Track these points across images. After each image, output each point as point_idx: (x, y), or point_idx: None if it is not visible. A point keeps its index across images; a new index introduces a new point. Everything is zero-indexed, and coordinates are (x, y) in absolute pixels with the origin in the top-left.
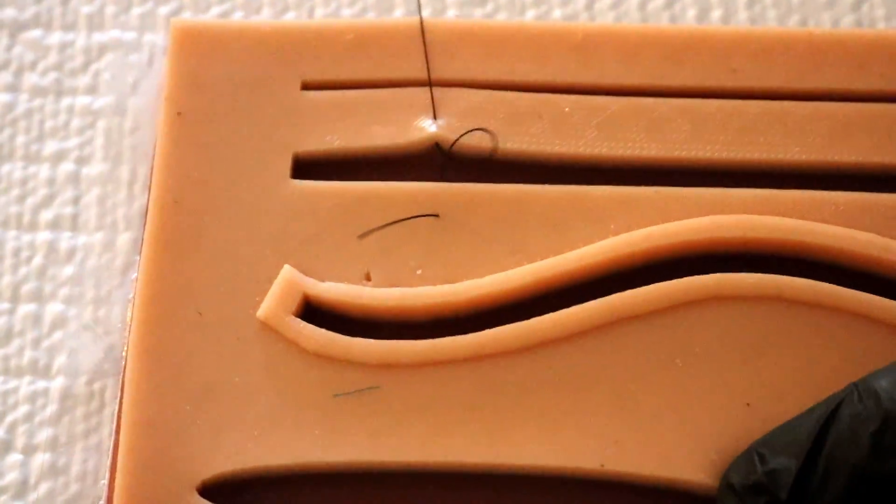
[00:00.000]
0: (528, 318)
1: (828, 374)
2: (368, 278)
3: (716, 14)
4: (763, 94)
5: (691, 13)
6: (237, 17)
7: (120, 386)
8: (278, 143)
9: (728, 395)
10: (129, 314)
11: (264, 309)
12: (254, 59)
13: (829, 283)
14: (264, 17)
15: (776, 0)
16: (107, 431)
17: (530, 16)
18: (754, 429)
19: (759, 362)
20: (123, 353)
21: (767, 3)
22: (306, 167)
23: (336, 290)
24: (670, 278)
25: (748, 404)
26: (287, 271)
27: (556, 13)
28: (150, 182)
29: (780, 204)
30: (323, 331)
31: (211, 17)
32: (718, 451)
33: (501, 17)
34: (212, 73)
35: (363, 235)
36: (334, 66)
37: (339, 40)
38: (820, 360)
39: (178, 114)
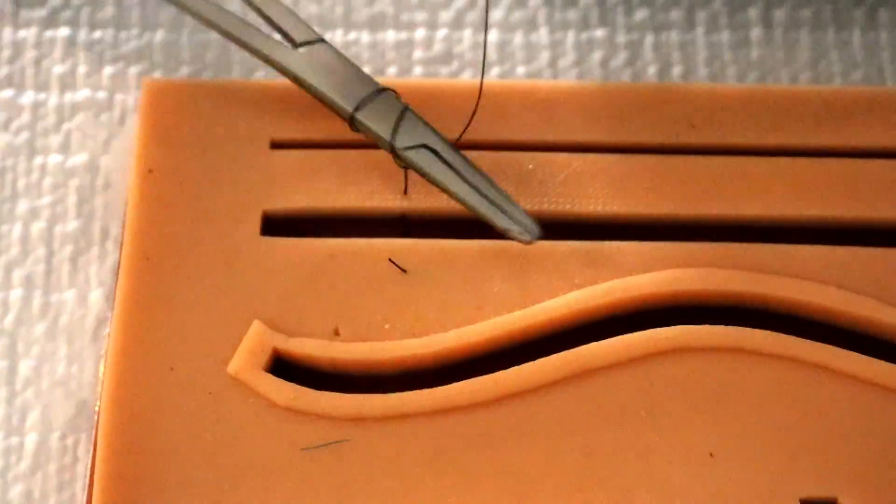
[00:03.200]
0: (494, 370)
1: (789, 425)
2: (337, 333)
3: (676, 70)
4: (723, 149)
5: (652, 70)
6: (206, 76)
7: (93, 441)
8: (248, 200)
9: (692, 446)
10: (101, 370)
11: (235, 364)
12: (224, 118)
13: (790, 335)
14: (234, 77)
15: (735, 57)
16: (80, 486)
17: (494, 73)
18: (718, 478)
19: (721, 413)
20: (96, 409)
21: (727, 59)
22: (276, 224)
23: (305, 345)
24: (633, 331)
25: (711, 454)
26: (257, 326)
27: (520, 70)
28: (122, 239)
29: (741, 257)
30: (293, 385)
31: (182, 76)
32: (683, 500)
33: (466, 76)
34: (183, 131)
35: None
36: (302, 126)
37: (306, 100)
38: (781, 410)
39: (150, 171)
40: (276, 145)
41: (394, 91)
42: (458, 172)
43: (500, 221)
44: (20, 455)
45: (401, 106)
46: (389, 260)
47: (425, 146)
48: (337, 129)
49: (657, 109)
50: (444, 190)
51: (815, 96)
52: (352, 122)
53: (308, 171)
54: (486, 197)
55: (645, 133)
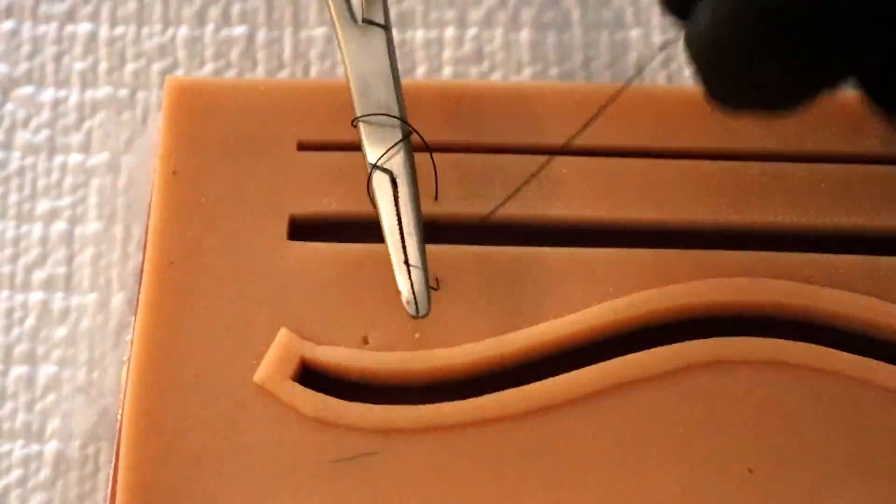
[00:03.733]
0: (526, 382)
1: (829, 439)
2: (366, 341)
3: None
4: (762, 155)
5: (688, 72)
6: (231, 74)
7: (115, 450)
8: (274, 203)
9: (730, 461)
10: (123, 376)
11: (261, 373)
12: (249, 118)
13: (830, 347)
14: (259, 74)
15: None
16: (101, 496)
17: (527, 74)
18: (757, 494)
19: (760, 427)
20: (118, 417)
21: None
22: (303, 228)
23: (334, 354)
24: (670, 341)
25: (750, 470)
26: (284, 335)
27: (553, 71)
28: (145, 242)
29: (780, 267)
30: (320, 395)
31: (205, 73)
32: None
33: (497, 76)
34: (207, 132)
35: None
36: (329, 127)
37: (334, 100)
38: (821, 424)
39: (174, 172)
40: (304, 147)
41: (409, 128)
42: (399, 217)
43: (399, 280)
44: (40, 464)
45: (403, 133)
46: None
47: (392, 177)
48: None
49: (694, 114)
50: (379, 219)
51: (855, 102)
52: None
53: (336, 174)
54: (404, 250)
55: (681, 138)
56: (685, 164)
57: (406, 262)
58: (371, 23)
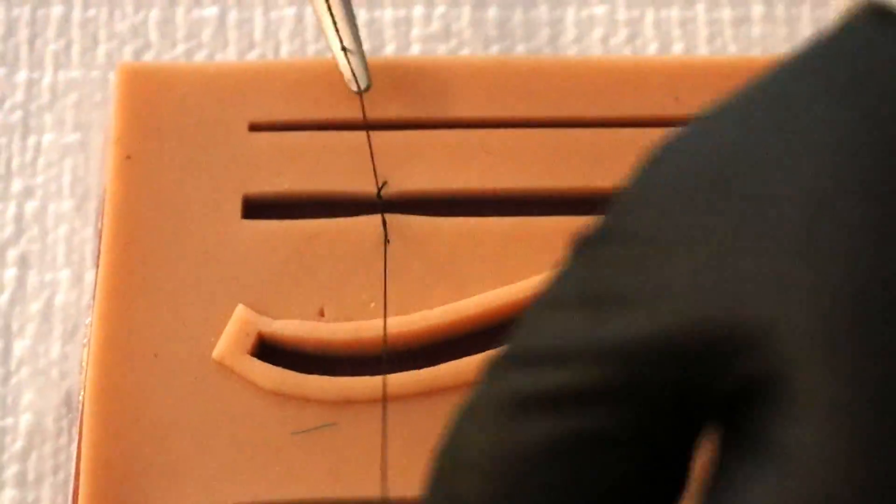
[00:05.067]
0: (480, 349)
1: None
2: (322, 314)
3: (677, 48)
4: None
5: (653, 48)
6: (203, 55)
7: (78, 428)
8: (228, 184)
9: None
10: (84, 357)
11: (219, 349)
12: (201, 101)
13: None
14: (230, 55)
15: (736, 34)
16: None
17: (494, 50)
18: None
19: None
20: (80, 397)
21: (728, 37)
22: (256, 207)
23: (290, 327)
24: None
25: None
26: (241, 310)
27: (520, 48)
28: (101, 226)
29: None
30: (278, 369)
31: (177, 54)
32: None
33: (465, 52)
34: (160, 116)
35: None
36: (280, 107)
37: (283, 80)
38: None
39: (128, 157)
40: (255, 127)
41: None
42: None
43: (340, 63)
44: (14, 436)
45: None
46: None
47: None
48: (316, 110)
49: (639, 83)
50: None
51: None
52: None
53: (288, 153)
54: (339, 36)
55: (627, 106)
56: (631, 133)
57: (343, 48)
58: None
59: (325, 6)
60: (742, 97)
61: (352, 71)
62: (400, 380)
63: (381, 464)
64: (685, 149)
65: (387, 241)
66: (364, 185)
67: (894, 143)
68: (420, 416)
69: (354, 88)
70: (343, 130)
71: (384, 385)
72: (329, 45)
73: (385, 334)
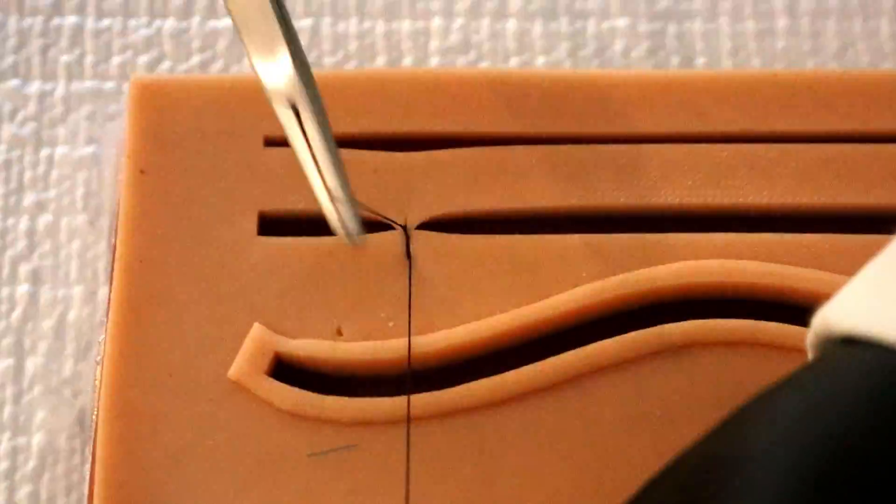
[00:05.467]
0: (502, 369)
1: None
2: (340, 333)
3: (700, 62)
4: (731, 137)
5: (675, 61)
6: (218, 66)
7: (91, 449)
8: (243, 199)
9: None
10: (97, 375)
11: (235, 368)
12: (215, 115)
13: (803, 326)
14: (245, 66)
15: (760, 48)
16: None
17: (514, 63)
18: None
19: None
20: (93, 416)
21: (751, 50)
22: (272, 224)
23: (308, 347)
24: (644, 325)
25: None
26: (257, 329)
27: (540, 60)
28: (115, 241)
29: (752, 248)
30: (296, 389)
31: (192, 65)
32: None
33: (485, 65)
34: (174, 130)
35: None
36: None
37: None
38: None
39: (141, 171)
40: (270, 142)
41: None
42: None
43: (328, 215)
44: (27, 455)
45: (295, 60)
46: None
47: (293, 106)
48: (333, 125)
49: (662, 98)
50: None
51: (823, 81)
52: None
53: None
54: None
55: (650, 122)
56: (654, 149)
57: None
58: None
59: (308, 154)
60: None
61: (341, 221)
62: (420, 400)
63: (405, 486)
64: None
65: (409, 256)
66: (384, 205)
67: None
68: (441, 438)
69: (348, 242)
70: (360, 148)
71: (408, 405)
72: (315, 195)
73: (409, 353)
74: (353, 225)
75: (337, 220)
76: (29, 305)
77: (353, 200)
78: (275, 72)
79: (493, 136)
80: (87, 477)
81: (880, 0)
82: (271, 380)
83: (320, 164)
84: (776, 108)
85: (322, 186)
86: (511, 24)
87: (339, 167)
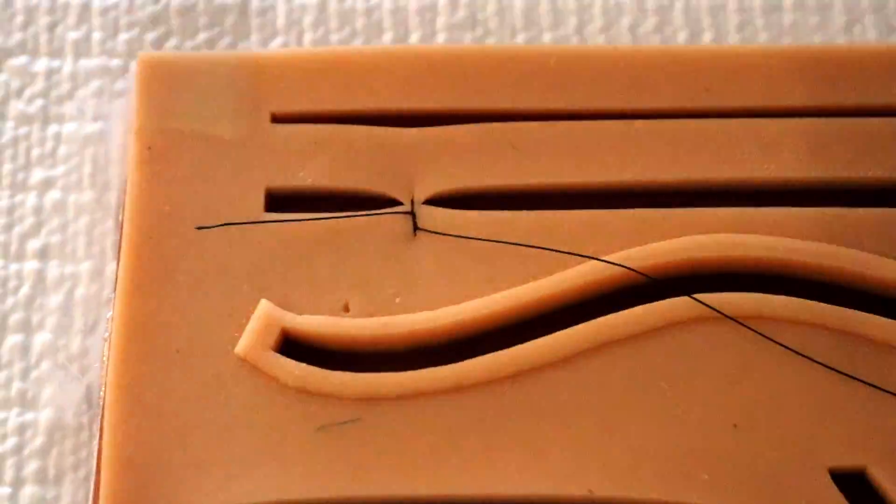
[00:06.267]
0: (508, 345)
1: (813, 392)
2: (347, 309)
3: (707, 36)
4: (737, 112)
5: (682, 36)
6: (225, 43)
7: (99, 426)
8: (250, 176)
9: (714, 417)
10: (104, 352)
11: (242, 345)
12: (223, 92)
13: (812, 300)
14: (252, 43)
15: (767, 23)
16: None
17: (520, 39)
18: (743, 449)
19: (743, 382)
20: (101, 393)
21: (759, 26)
22: (280, 201)
23: (314, 323)
24: (650, 301)
25: (735, 425)
26: (264, 306)
27: (547, 37)
28: (122, 218)
29: (759, 222)
30: (302, 365)
31: (199, 42)
32: (708, 472)
33: (491, 41)
34: (181, 107)
35: None
36: (302, 98)
37: (306, 71)
38: (804, 377)
39: (148, 148)
40: (278, 119)
41: None
42: None
43: None
44: (35, 431)
45: None
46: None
47: None
48: (340, 102)
49: (667, 73)
50: None
51: (829, 55)
52: None
53: (311, 146)
54: None
55: (655, 98)
56: (659, 124)
57: None
58: None
59: None
60: None
61: None
62: (426, 375)
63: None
64: None
65: (416, 231)
66: (391, 181)
67: None
68: (447, 413)
69: None
70: (369, 124)
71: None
72: None
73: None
74: None
75: None
76: (37, 282)
77: None
78: None
79: (500, 111)
80: (95, 453)
81: None
82: (278, 356)
83: None
84: (783, 83)
85: None
86: (518, 1)
87: None
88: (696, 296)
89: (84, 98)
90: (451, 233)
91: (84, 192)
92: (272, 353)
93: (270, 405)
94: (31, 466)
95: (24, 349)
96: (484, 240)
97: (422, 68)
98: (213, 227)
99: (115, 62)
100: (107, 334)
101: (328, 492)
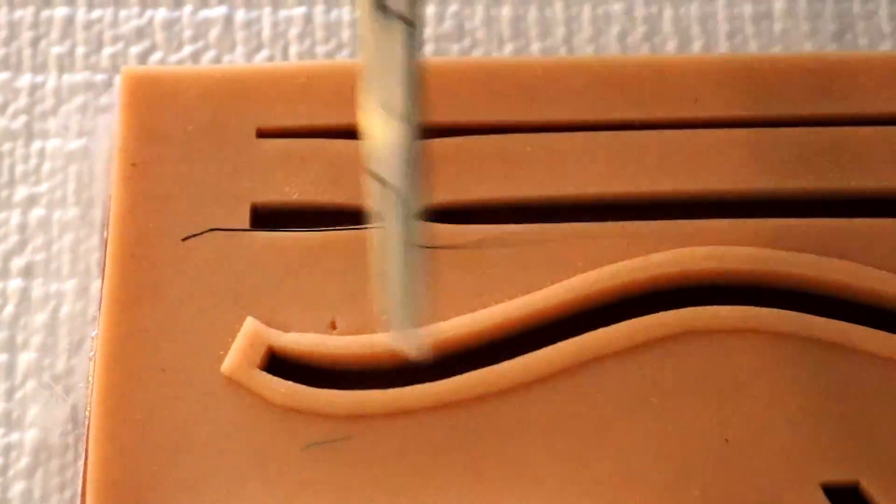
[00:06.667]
0: (496, 360)
1: (807, 407)
2: (334, 326)
3: (696, 45)
4: (726, 122)
5: (671, 45)
6: (210, 56)
7: (84, 446)
8: (236, 192)
9: (705, 431)
10: (90, 371)
11: (229, 363)
12: (207, 107)
13: (803, 312)
14: (238, 56)
15: (758, 31)
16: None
17: (508, 50)
18: (735, 464)
19: (734, 396)
20: (86, 413)
21: (749, 33)
22: (265, 216)
23: (301, 340)
24: (641, 314)
25: (727, 440)
26: (250, 323)
27: (535, 47)
28: (106, 235)
29: (749, 233)
30: (289, 383)
31: (183, 56)
32: (700, 488)
33: (478, 53)
34: (165, 122)
35: None
36: (288, 113)
37: (291, 85)
38: (797, 390)
39: (133, 165)
40: (263, 134)
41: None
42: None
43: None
44: (20, 452)
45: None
46: None
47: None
48: (326, 116)
49: (655, 83)
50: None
51: (818, 63)
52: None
53: (297, 161)
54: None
55: (643, 109)
56: (648, 135)
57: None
58: (394, 14)
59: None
60: None
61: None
62: (418, 391)
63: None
64: None
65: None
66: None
67: None
68: (435, 430)
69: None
70: (355, 138)
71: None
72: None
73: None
74: (414, 347)
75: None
76: (21, 300)
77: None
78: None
79: (487, 124)
80: (81, 473)
81: None
82: (265, 374)
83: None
84: (773, 92)
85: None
86: (505, 11)
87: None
88: (684, 309)
89: (68, 114)
90: (438, 246)
91: (69, 208)
92: (259, 371)
93: (257, 424)
94: (17, 487)
95: (9, 369)
96: (459, 246)
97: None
98: (200, 234)
99: (100, 77)
100: (92, 353)
101: None
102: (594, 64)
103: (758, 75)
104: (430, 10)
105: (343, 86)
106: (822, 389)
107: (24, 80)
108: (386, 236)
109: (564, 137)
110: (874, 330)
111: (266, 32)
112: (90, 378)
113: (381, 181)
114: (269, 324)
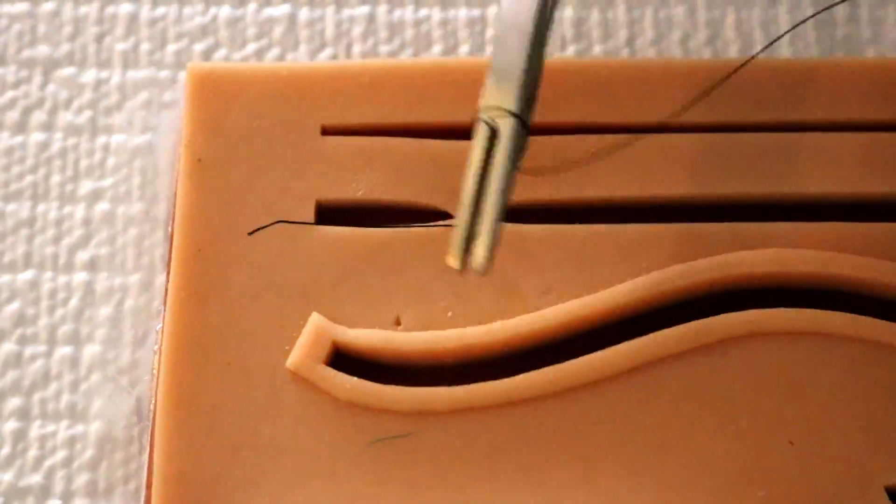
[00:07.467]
0: (561, 359)
1: (871, 410)
2: (398, 323)
3: (758, 50)
4: (790, 125)
5: (734, 49)
6: (274, 54)
7: (149, 439)
8: (301, 189)
9: (770, 434)
10: (154, 364)
11: (294, 358)
12: (272, 103)
13: (867, 315)
14: (301, 54)
15: (820, 36)
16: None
17: (571, 52)
18: (799, 467)
19: (799, 399)
20: (151, 406)
21: (811, 39)
22: (330, 213)
23: (366, 337)
24: (704, 316)
25: (791, 442)
26: (315, 319)
27: (597, 49)
28: (172, 230)
29: (813, 236)
30: (354, 379)
31: (247, 53)
32: (764, 490)
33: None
34: (231, 119)
35: None
36: (353, 111)
37: (356, 83)
38: (862, 395)
39: (199, 160)
40: (328, 131)
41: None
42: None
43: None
44: (85, 444)
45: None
46: None
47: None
48: (389, 115)
49: (724, 86)
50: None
51: (884, 68)
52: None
53: (362, 159)
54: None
55: (708, 111)
56: (712, 138)
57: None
58: None
59: (478, 171)
60: None
61: (469, 246)
62: (479, 390)
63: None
64: None
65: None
66: (441, 194)
67: None
68: (499, 428)
69: (454, 264)
70: (419, 136)
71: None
72: (460, 212)
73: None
74: (483, 258)
75: (463, 241)
76: (86, 294)
77: (498, 236)
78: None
79: (550, 124)
80: (146, 466)
81: None
82: (329, 369)
83: (491, 189)
84: (838, 96)
85: (470, 204)
86: (568, 13)
87: (506, 202)
88: (749, 311)
89: (132, 109)
90: (504, 246)
91: (133, 203)
92: (323, 366)
93: (322, 419)
94: (82, 479)
95: (74, 361)
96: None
97: (471, 81)
98: (266, 226)
99: (164, 73)
100: (157, 346)
101: None
102: (656, 67)
103: (823, 79)
104: (493, 12)
105: (407, 85)
106: (886, 392)
107: (89, 75)
108: (495, 154)
109: (623, 139)
110: None
111: (329, 31)
112: (155, 371)
113: (499, 106)
114: (334, 320)
